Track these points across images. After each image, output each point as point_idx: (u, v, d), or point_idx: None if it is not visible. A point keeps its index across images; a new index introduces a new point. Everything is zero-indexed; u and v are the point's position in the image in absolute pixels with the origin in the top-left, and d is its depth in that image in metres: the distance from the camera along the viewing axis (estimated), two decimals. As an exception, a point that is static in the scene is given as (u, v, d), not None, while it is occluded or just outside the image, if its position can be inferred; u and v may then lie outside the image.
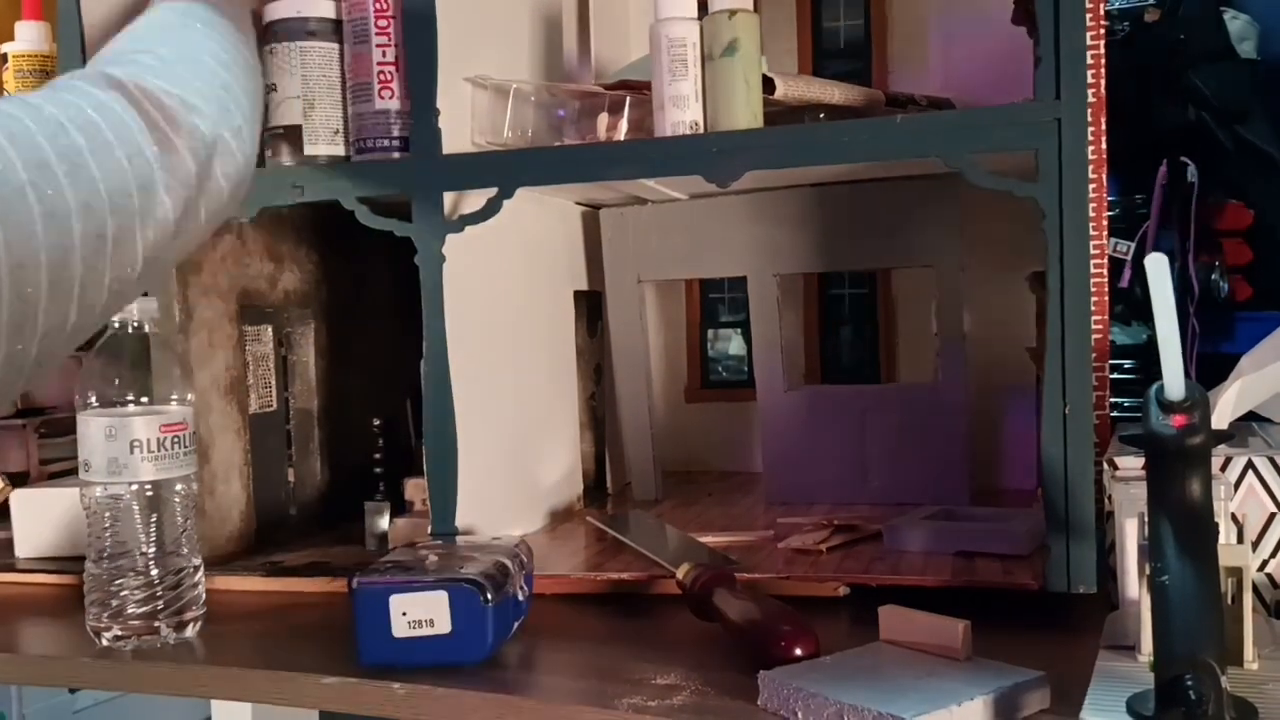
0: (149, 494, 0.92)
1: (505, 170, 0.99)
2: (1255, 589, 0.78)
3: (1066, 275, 0.85)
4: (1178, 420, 0.58)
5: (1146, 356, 1.39)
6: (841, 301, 1.51)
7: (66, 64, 1.12)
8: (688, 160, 0.96)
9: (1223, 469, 0.80)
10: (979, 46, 1.30)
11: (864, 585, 0.93)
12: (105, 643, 0.92)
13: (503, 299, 1.14)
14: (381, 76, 1.03)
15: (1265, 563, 0.81)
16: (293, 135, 1.07)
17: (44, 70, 1.16)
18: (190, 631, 0.94)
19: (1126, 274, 1.39)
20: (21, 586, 1.11)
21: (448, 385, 1.01)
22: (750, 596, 0.84)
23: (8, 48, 1.17)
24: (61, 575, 1.11)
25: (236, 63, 0.72)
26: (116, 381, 0.92)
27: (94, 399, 0.92)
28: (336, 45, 1.07)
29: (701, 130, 0.96)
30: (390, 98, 1.04)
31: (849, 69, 1.48)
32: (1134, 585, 0.73)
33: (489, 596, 0.81)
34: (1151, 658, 0.61)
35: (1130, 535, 0.77)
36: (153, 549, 0.93)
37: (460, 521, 1.01)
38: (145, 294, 0.92)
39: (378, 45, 1.03)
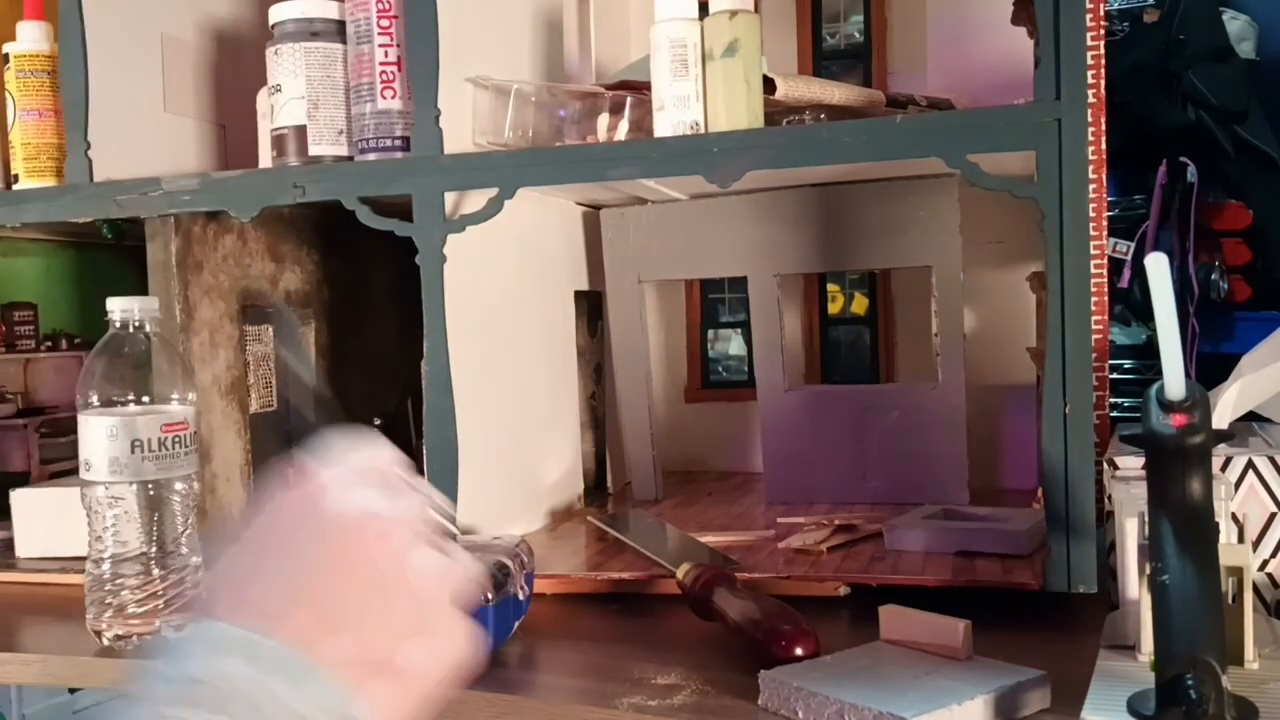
0: (150, 493, 0.92)
1: (506, 170, 0.99)
2: (1255, 589, 0.78)
3: (1066, 275, 0.85)
4: (1178, 420, 0.58)
5: (1146, 356, 1.39)
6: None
7: (68, 64, 1.12)
8: (688, 160, 0.96)
9: (1223, 469, 0.80)
10: (978, 47, 1.30)
11: (864, 585, 0.93)
12: (106, 642, 0.92)
13: (503, 299, 1.14)
14: (384, 76, 1.03)
15: (1265, 562, 0.81)
16: (297, 135, 1.07)
17: (45, 70, 1.17)
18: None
19: (1126, 274, 1.39)
20: (22, 586, 1.11)
21: (448, 385, 1.01)
22: (750, 596, 0.84)
23: (9, 48, 1.17)
24: (62, 575, 1.11)
25: None
26: (118, 381, 0.92)
27: (95, 399, 0.92)
28: (340, 46, 1.07)
29: (702, 130, 0.96)
30: (392, 98, 1.04)
31: (849, 69, 1.48)
32: (1134, 585, 0.74)
33: (489, 596, 0.81)
34: (1152, 657, 0.61)
35: (1130, 535, 0.77)
36: (154, 548, 0.93)
37: (460, 521, 1.01)
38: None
39: (380, 45, 1.03)
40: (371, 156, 1.04)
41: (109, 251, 1.54)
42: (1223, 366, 0.86)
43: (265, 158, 1.14)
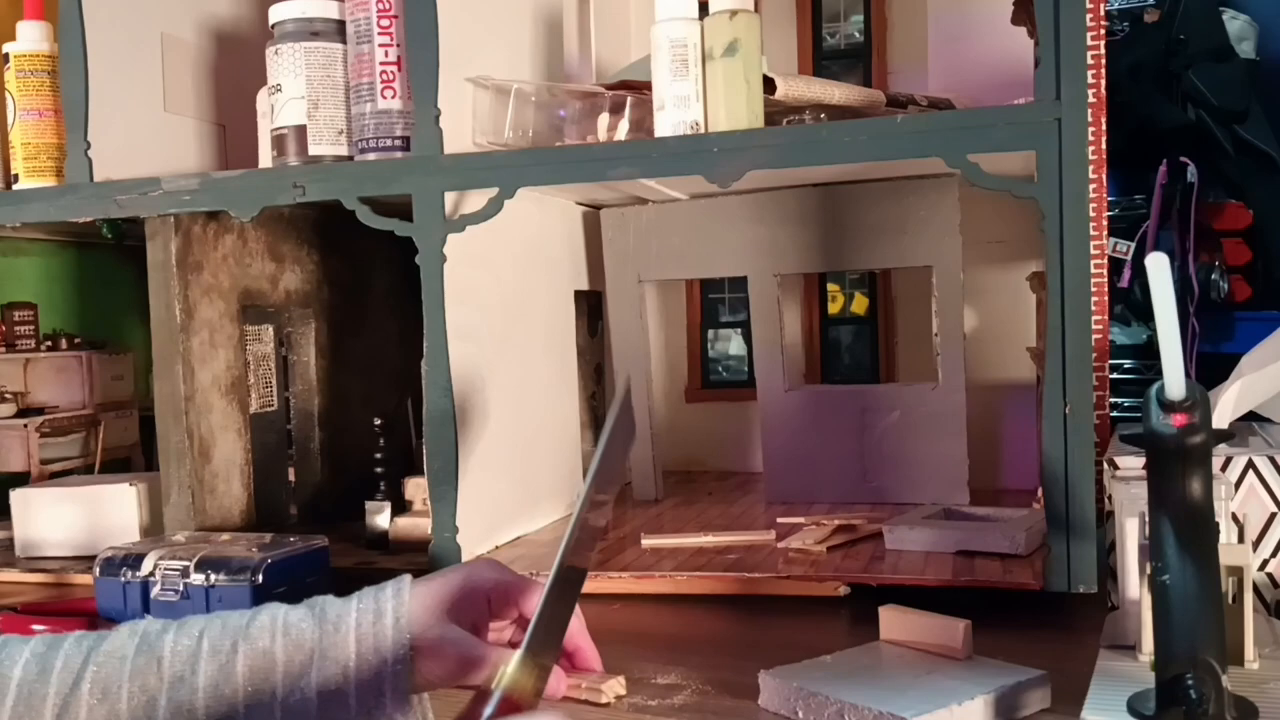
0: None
1: (507, 170, 0.99)
2: (1255, 588, 0.78)
3: (1066, 275, 0.85)
4: (1178, 420, 0.58)
5: (1146, 356, 1.39)
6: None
7: (68, 64, 1.12)
8: (688, 160, 0.96)
9: (1223, 469, 0.80)
10: (978, 47, 1.30)
11: (864, 585, 0.93)
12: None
13: (503, 299, 1.14)
14: (384, 76, 1.03)
15: (1265, 562, 0.81)
16: (297, 135, 1.07)
17: (45, 70, 1.17)
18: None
19: (1126, 274, 1.39)
20: (22, 586, 1.11)
21: (448, 385, 1.01)
22: None
23: (9, 48, 1.17)
24: (61, 574, 1.11)
25: None
26: None
27: None
28: (340, 46, 1.07)
29: (702, 130, 0.96)
30: (392, 98, 1.04)
31: (849, 69, 1.48)
32: (1134, 585, 0.74)
33: None
34: (1152, 657, 0.61)
35: (1131, 535, 0.77)
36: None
37: (460, 520, 1.01)
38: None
39: (380, 45, 1.03)
40: (371, 156, 1.04)
41: (109, 251, 1.54)
42: (1223, 366, 0.86)
43: (265, 158, 1.14)
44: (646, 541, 1.09)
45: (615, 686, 0.75)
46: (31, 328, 1.47)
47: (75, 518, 1.16)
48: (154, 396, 1.13)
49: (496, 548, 1.10)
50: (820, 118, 1.00)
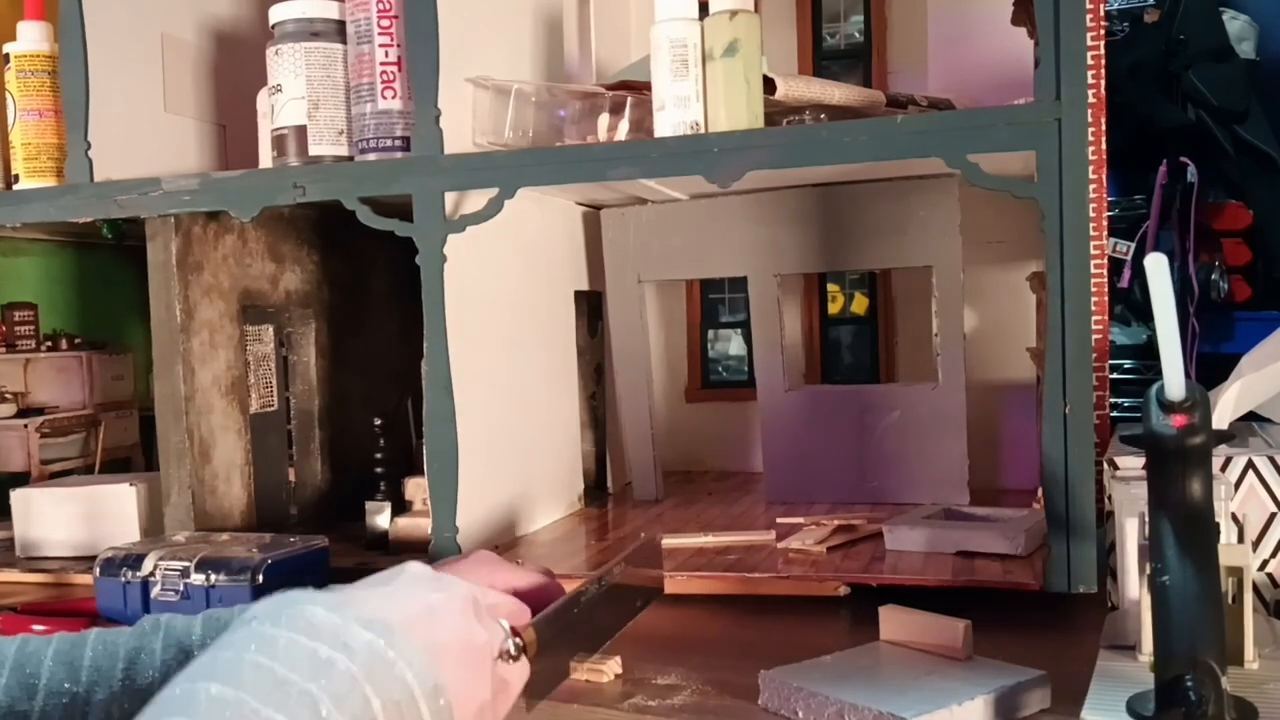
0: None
1: (507, 170, 0.99)
2: (1255, 589, 0.78)
3: (1066, 275, 0.85)
4: (1178, 420, 0.58)
5: (1146, 356, 1.39)
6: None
7: (68, 64, 1.12)
8: (688, 160, 0.96)
9: (1223, 469, 0.80)
10: (978, 47, 1.30)
11: (864, 585, 0.93)
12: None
13: (503, 299, 1.14)
14: (384, 76, 1.03)
15: (1265, 563, 0.81)
16: (297, 135, 1.07)
17: (45, 70, 1.17)
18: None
19: (1126, 274, 1.39)
20: (22, 586, 1.11)
21: (448, 385, 1.01)
22: None
23: (9, 48, 1.17)
24: (61, 574, 1.11)
25: None
26: None
27: None
28: (341, 46, 1.07)
29: (702, 130, 0.96)
30: (393, 98, 1.04)
31: (849, 69, 1.48)
32: (1134, 585, 0.74)
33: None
34: (1152, 658, 0.61)
35: (1130, 535, 0.77)
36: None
37: (460, 520, 1.01)
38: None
39: (380, 45, 1.03)
40: (371, 156, 1.04)
41: (109, 251, 1.54)
42: (1223, 366, 0.86)
43: (265, 158, 1.14)
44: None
45: (614, 666, 0.78)
46: (32, 328, 1.47)
47: (75, 518, 1.16)
48: (154, 396, 1.13)
49: (496, 548, 1.10)
50: (820, 118, 1.00)
